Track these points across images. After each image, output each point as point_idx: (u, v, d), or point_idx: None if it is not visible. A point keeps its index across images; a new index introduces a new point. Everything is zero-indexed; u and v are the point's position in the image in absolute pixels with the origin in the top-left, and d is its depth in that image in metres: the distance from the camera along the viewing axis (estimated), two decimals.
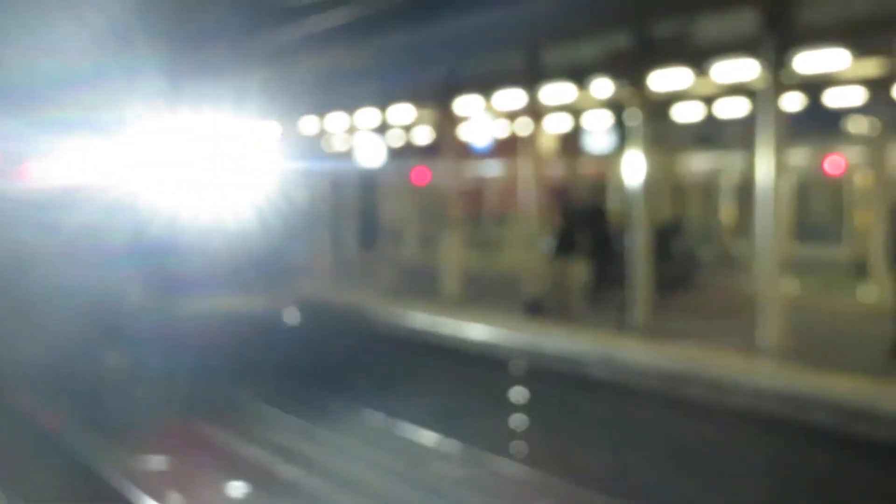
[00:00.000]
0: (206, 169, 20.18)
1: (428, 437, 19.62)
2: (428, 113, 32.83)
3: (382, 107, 29.45)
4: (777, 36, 17.96)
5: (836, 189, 26.96)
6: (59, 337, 20.84)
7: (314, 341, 22.43)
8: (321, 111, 34.52)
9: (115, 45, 22.44)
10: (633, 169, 21.29)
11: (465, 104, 28.87)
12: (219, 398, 20.91)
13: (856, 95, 24.46)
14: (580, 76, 25.23)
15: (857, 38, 19.69)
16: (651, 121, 21.98)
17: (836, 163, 26.92)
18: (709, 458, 15.36)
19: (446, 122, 27.95)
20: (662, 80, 22.68)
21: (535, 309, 22.29)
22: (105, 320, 20.39)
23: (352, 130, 35.69)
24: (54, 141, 22.56)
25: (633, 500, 15.28)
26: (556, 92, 26.05)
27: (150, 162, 20.41)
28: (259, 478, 17.32)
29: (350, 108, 33.80)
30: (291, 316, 20.92)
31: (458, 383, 20.04)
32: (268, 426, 20.49)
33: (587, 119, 30.70)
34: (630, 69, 21.68)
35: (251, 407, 21.51)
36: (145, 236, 19.87)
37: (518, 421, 18.61)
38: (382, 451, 18.64)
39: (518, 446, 18.28)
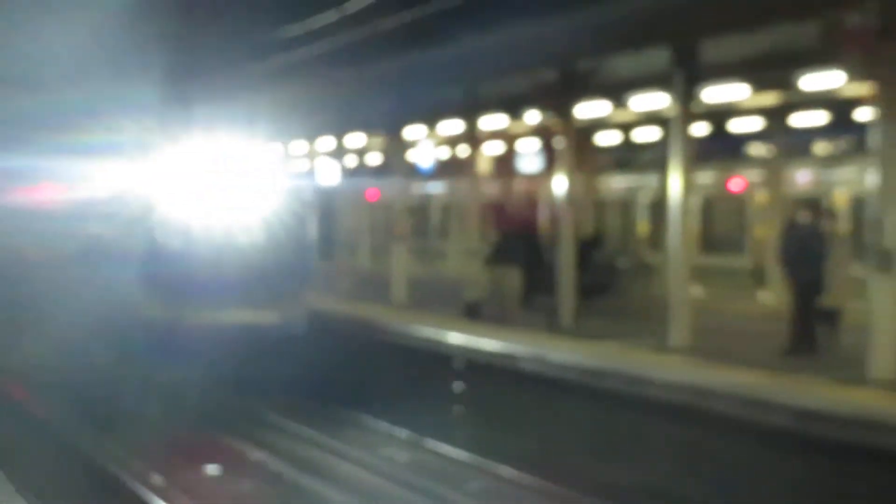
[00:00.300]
0: (214, 184, 19.69)
1: (378, 424, 19.63)
2: (379, 139, 33.04)
3: (339, 134, 29.64)
4: (685, 71, 18.39)
5: (738, 206, 27.29)
6: (70, 345, 20.45)
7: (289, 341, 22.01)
8: (285, 139, 34.72)
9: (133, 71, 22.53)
10: (560, 188, 21.66)
11: (412, 131, 29.20)
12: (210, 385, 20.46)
13: (755, 123, 24.83)
14: (513, 107, 25.51)
15: (756, 73, 19.99)
16: (575, 145, 22.38)
17: (738, 183, 27.31)
18: (621, 439, 15.77)
19: (395, 147, 28.28)
20: (585, 110, 23.03)
21: (474, 312, 22.57)
22: (116, 330, 19.84)
23: (311, 155, 35.88)
24: (75, 161, 22.38)
25: (554, 476, 15.51)
26: (492, 121, 26.41)
27: (162, 178, 20.00)
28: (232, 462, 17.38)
29: (310, 135, 34.03)
30: (299, 327, 20.21)
31: (405, 376, 20.20)
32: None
33: (520, 144, 30.99)
34: (556, 101, 22.04)
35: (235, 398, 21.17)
36: (158, 249, 19.26)
37: (457, 409, 18.87)
38: (336, 436, 18.64)
39: (456, 431, 18.44)
